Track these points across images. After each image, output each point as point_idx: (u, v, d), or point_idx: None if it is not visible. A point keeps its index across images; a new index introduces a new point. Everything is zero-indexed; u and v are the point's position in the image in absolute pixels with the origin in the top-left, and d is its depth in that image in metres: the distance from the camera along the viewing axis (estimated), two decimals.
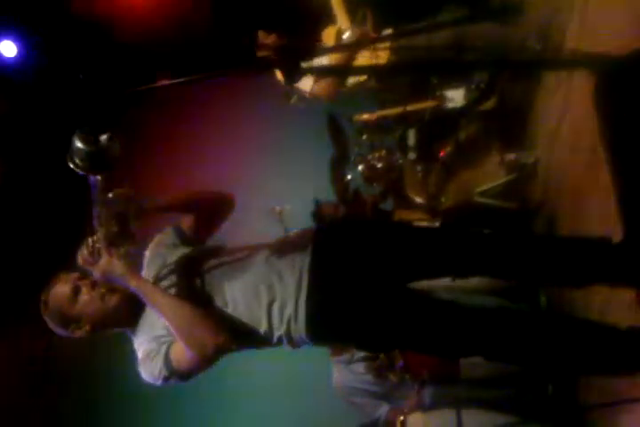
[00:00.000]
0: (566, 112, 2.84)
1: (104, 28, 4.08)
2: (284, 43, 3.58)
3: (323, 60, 3.11)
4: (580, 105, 2.53)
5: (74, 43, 4.03)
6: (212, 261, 2.00)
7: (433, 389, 2.90)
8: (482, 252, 1.95)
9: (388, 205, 3.94)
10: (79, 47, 4.03)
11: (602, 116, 2.00)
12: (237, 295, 1.92)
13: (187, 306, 1.86)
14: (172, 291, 1.96)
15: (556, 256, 1.99)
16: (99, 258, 1.86)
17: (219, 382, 3.28)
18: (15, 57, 4.00)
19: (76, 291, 1.97)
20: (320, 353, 3.18)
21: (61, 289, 1.99)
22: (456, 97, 3.51)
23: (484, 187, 3.45)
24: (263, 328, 1.90)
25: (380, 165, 3.65)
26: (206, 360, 1.87)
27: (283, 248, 1.98)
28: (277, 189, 4.32)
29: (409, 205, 3.75)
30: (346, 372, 3.24)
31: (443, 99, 3.54)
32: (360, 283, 1.89)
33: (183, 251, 2.08)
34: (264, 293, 1.90)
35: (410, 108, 3.64)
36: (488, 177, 3.51)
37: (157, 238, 2.16)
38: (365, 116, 3.79)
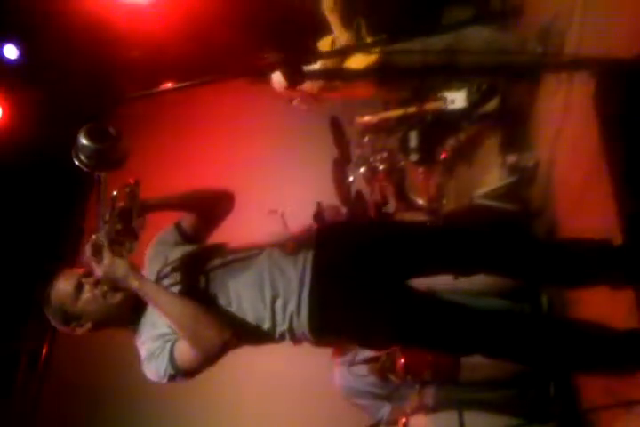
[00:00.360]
0: (567, 114, 2.85)
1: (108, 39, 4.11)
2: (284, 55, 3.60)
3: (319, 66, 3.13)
4: (581, 107, 2.53)
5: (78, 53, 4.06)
6: (216, 260, 2.01)
7: (435, 390, 2.89)
8: (483, 249, 1.96)
9: (389, 207, 3.94)
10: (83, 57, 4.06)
11: (603, 117, 2.01)
12: (241, 292, 1.93)
13: (190, 304, 1.86)
14: (175, 289, 1.96)
15: (557, 257, 2.00)
16: (102, 257, 1.85)
17: (219, 383, 3.27)
18: (16, 59, 4.02)
19: (78, 288, 1.96)
20: (322, 354, 3.17)
21: (64, 286, 1.98)
22: (458, 99, 3.52)
23: (486, 189, 3.46)
24: (267, 324, 1.91)
25: (381, 167, 3.65)
26: (211, 358, 1.87)
27: (285, 245, 1.99)
28: (279, 191, 4.33)
29: (410, 206, 3.75)
30: (348, 373, 3.23)
31: (444, 101, 3.54)
32: (362, 278, 1.90)
33: (185, 249, 2.08)
34: (267, 289, 1.91)
35: (411, 109, 3.65)
36: (489, 179, 3.52)
37: (158, 236, 2.16)
38: (367, 118, 3.80)
